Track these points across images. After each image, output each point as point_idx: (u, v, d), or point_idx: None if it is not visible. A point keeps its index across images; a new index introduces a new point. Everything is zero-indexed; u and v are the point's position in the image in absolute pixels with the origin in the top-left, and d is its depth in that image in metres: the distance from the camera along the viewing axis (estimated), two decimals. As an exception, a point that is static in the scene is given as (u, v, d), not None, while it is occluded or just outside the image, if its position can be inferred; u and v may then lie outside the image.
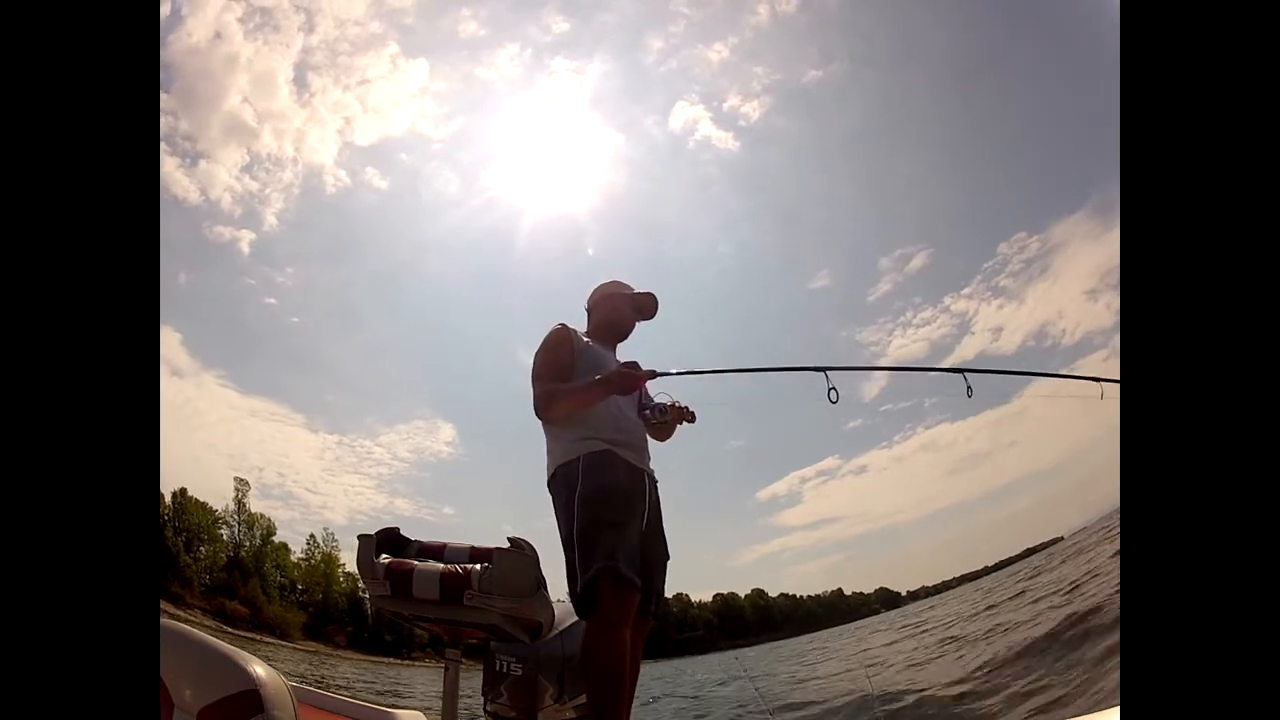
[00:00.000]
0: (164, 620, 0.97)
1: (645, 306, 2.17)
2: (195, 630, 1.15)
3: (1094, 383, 2.24)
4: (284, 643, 36.34)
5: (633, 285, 2.20)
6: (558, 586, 1.76)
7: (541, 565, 1.65)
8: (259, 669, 1.08)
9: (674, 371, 1.92)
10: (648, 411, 1.81)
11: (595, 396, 1.85)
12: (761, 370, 2.15)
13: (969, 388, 2.01)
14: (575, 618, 1.88)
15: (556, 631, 1.84)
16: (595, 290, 2.20)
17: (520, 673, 1.84)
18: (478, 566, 1.57)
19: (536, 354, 1.97)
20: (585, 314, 2.20)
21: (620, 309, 2.14)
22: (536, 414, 1.91)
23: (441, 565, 1.59)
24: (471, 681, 1.94)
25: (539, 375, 1.93)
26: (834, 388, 1.85)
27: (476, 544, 1.70)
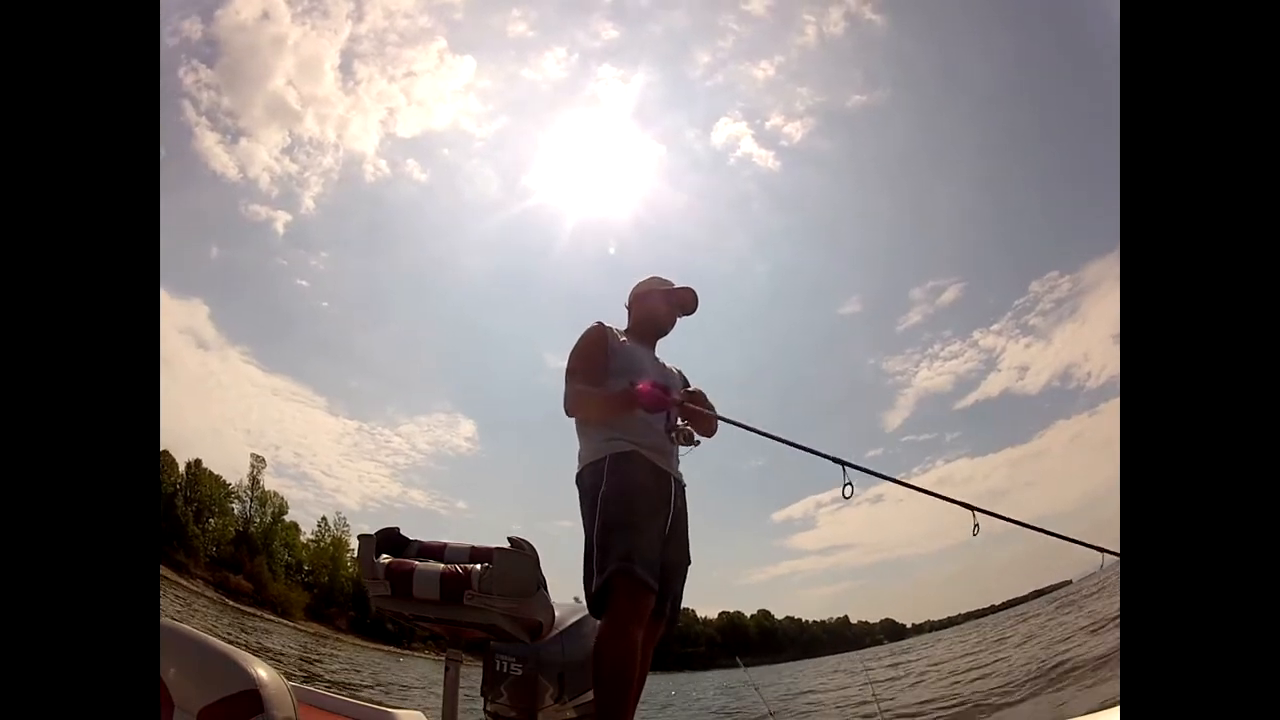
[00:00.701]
0: (164, 620, 0.98)
1: (686, 302, 2.14)
2: (195, 630, 1.16)
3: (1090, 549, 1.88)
4: (285, 621, 36.47)
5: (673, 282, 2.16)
6: (558, 587, 1.76)
7: (542, 566, 1.65)
8: (259, 669, 1.09)
9: (698, 408, 1.91)
10: (673, 434, 1.82)
11: (620, 408, 1.84)
12: (783, 442, 1.99)
13: (976, 525, 1.85)
14: (576, 618, 1.89)
15: (557, 632, 1.84)
16: (635, 287, 2.17)
17: (520, 673, 1.84)
18: (478, 566, 1.56)
19: (571, 352, 1.95)
20: (625, 313, 2.17)
21: (659, 305, 2.11)
22: (566, 413, 1.91)
23: (442, 565, 1.59)
24: (472, 676, 1.94)
25: (571, 374, 1.91)
26: (850, 483, 1.77)
27: (477, 544, 1.70)
